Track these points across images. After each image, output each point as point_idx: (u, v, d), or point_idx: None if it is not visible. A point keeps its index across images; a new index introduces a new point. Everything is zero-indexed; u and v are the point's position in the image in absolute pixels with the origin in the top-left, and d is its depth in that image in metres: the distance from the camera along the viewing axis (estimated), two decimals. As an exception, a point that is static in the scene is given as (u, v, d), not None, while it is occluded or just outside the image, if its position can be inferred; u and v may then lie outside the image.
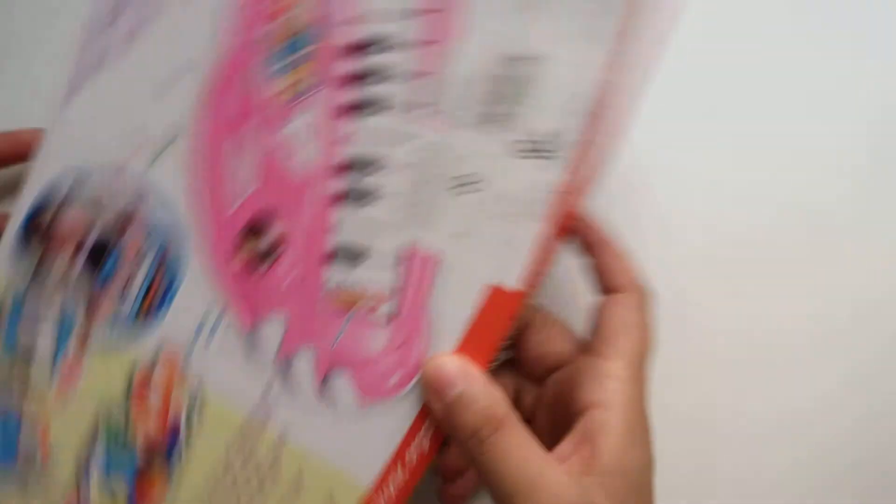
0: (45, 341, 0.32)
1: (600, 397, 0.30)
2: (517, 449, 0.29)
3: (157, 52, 0.31)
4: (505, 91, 0.30)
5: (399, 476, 0.32)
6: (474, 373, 0.30)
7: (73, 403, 0.32)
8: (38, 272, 0.32)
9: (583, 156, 0.30)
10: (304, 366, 0.32)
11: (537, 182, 0.30)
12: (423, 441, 0.32)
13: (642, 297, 0.33)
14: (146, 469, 0.32)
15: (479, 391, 0.30)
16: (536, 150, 0.30)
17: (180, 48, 0.31)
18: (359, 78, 0.30)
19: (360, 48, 0.30)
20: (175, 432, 0.32)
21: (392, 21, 0.30)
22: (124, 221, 0.32)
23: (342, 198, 0.31)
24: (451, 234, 0.31)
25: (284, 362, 0.32)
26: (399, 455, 0.32)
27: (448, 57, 0.30)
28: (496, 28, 0.29)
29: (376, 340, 0.32)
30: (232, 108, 0.31)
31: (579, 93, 0.29)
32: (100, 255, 0.32)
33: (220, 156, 0.31)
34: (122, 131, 0.31)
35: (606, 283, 0.33)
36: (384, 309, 0.32)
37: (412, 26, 0.30)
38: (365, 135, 0.31)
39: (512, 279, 0.31)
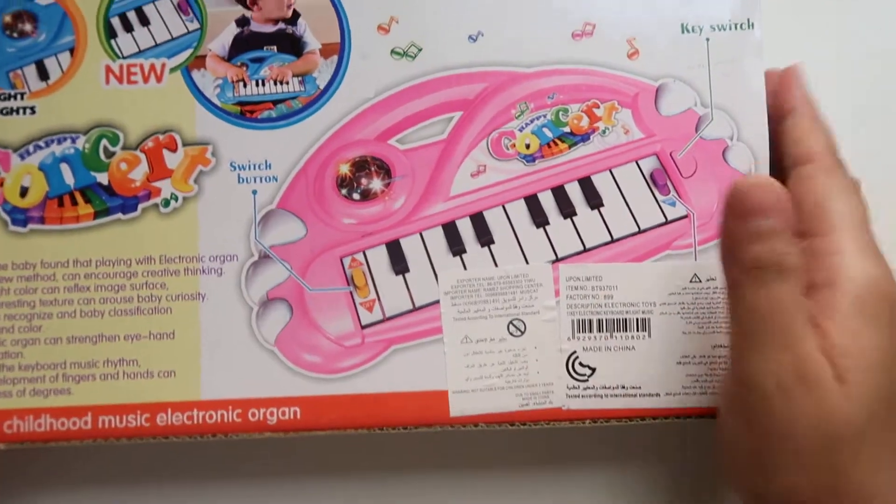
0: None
1: (825, 276, 0.28)
2: (792, 304, 0.27)
3: None
4: None
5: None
6: (788, 213, 0.27)
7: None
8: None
9: None
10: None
11: None
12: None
13: (840, 167, 0.30)
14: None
15: (784, 234, 0.27)
16: None
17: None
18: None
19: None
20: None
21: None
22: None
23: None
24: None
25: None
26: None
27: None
28: None
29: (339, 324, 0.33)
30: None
31: None
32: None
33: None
34: None
35: (797, 152, 0.31)
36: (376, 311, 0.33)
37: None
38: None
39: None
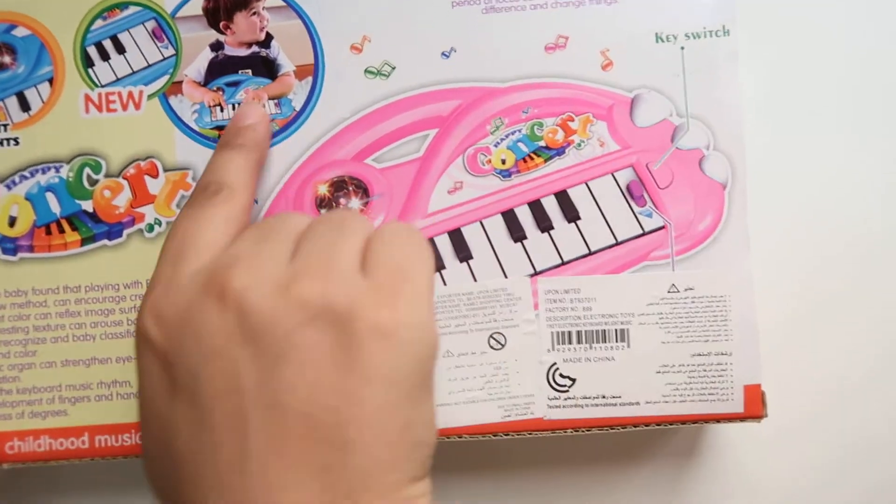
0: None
1: None
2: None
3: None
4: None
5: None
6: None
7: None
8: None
9: None
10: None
11: None
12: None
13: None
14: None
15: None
16: None
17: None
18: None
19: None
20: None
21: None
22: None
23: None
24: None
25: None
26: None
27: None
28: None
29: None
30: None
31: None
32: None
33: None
34: None
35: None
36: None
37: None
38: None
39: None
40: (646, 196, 0.34)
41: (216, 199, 0.28)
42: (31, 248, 0.34)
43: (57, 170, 0.34)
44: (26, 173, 0.34)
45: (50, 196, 0.34)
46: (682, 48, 0.33)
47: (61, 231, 0.34)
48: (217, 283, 0.25)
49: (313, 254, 0.25)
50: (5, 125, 0.34)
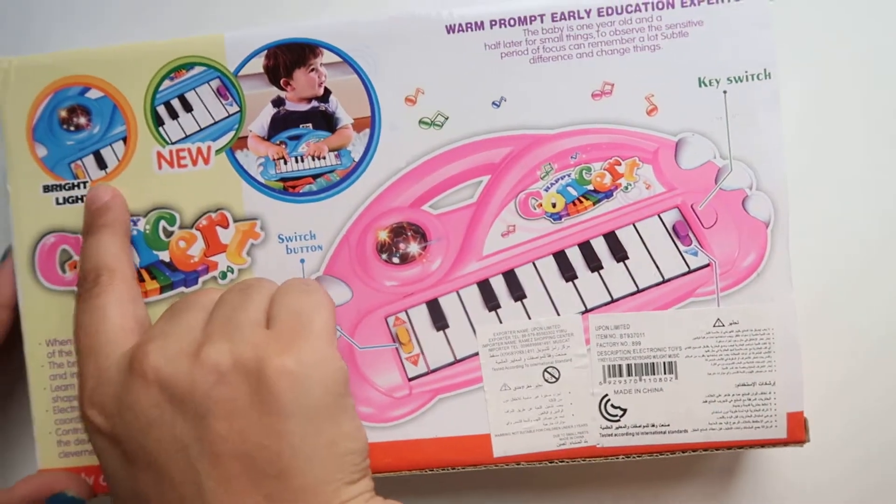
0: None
1: None
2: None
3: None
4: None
5: None
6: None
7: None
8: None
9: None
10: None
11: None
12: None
13: None
14: None
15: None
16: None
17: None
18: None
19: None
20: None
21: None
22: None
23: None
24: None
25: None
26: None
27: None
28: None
29: (388, 377, 0.36)
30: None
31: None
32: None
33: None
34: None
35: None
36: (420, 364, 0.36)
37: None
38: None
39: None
40: (691, 235, 0.35)
41: (98, 287, 0.33)
42: (114, 297, 0.36)
43: (135, 223, 0.36)
44: (106, 227, 0.36)
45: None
46: (725, 92, 0.35)
47: (142, 280, 0.36)
48: (137, 366, 0.29)
49: (220, 318, 0.30)
50: (84, 182, 0.36)
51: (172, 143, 0.36)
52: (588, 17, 0.35)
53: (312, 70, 0.36)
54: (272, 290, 0.31)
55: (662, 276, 0.35)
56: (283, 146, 0.36)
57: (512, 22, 0.35)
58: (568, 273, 0.36)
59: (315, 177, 0.36)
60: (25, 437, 0.41)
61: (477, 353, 0.36)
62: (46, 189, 0.36)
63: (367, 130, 0.36)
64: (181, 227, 0.36)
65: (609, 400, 0.35)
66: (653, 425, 0.35)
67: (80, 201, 0.36)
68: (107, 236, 0.34)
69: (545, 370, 0.36)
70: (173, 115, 0.36)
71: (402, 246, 0.36)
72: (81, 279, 0.33)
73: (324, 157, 0.36)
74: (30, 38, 0.42)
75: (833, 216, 0.40)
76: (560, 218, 0.36)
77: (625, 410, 0.35)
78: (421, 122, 0.35)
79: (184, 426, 0.28)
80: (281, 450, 0.28)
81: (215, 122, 0.36)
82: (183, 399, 0.28)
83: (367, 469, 0.30)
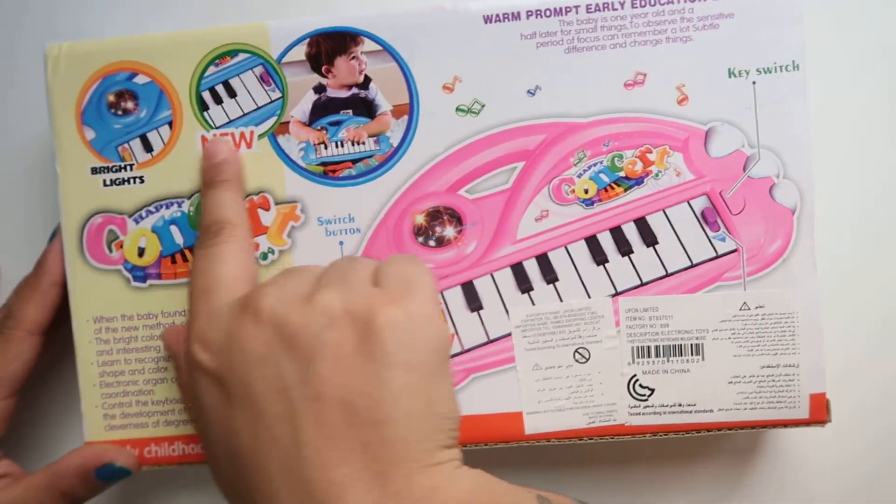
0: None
1: None
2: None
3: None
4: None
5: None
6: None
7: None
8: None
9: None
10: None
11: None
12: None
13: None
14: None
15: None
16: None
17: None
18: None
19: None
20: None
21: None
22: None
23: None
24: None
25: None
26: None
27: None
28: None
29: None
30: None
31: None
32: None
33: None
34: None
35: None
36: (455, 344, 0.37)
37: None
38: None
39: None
40: (719, 222, 0.36)
41: (221, 237, 0.34)
42: (158, 276, 0.38)
43: (179, 205, 0.38)
44: (152, 208, 0.38)
45: (174, 228, 0.38)
46: (754, 83, 0.36)
47: (185, 260, 0.38)
48: (251, 306, 0.30)
49: (331, 276, 0.31)
50: (131, 165, 0.38)
51: (216, 128, 0.37)
52: (622, 8, 0.36)
53: (353, 58, 0.37)
54: (377, 264, 0.32)
55: (691, 261, 0.36)
56: (324, 131, 0.37)
57: (548, 13, 0.36)
58: (599, 257, 0.37)
59: (354, 161, 0.37)
60: (72, 412, 0.42)
61: (510, 334, 0.37)
62: (94, 171, 0.38)
63: (406, 117, 0.37)
64: (224, 210, 0.37)
65: (637, 380, 0.37)
66: (679, 405, 0.37)
67: (126, 183, 0.38)
68: (228, 192, 0.36)
69: (576, 351, 0.37)
70: (218, 100, 0.37)
71: (438, 229, 0.37)
72: (204, 230, 0.34)
73: (363, 143, 0.37)
74: (86, 28, 0.43)
75: (856, 201, 0.41)
76: (592, 203, 0.37)
77: (653, 390, 0.37)
78: (458, 109, 0.37)
79: (290, 366, 0.29)
80: (382, 398, 0.28)
81: (258, 108, 0.37)
82: (292, 339, 0.29)
83: (458, 440, 0.30)
